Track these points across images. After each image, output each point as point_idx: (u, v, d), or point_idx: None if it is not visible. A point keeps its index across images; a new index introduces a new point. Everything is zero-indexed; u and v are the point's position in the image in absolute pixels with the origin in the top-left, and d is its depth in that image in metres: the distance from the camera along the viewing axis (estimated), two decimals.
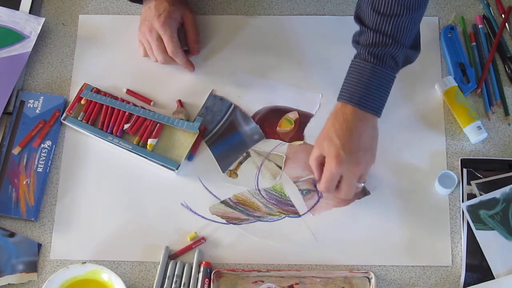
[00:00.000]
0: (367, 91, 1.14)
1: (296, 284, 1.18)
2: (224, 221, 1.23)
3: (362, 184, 1.22)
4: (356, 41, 1.18)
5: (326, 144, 1.14)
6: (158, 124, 1.27)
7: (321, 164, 1.17)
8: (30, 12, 1.35)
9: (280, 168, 1.26)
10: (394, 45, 1.14)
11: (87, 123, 1.27)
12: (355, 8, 1.20)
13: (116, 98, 1.29)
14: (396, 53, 1.15)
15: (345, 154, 1.13)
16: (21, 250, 1.21)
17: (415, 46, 1.20)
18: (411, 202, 1.23)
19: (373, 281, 1.17)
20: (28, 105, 1.29)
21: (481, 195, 1.21)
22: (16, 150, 1.26)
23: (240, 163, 1.27)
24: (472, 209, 1.21)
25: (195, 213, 1.23)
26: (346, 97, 1.15)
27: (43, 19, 1.34)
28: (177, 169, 1.24)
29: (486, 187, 1.22)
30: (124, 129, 1.27)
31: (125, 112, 1.28)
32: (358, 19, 1.18)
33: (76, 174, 1.26)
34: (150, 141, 1.25)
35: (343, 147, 1.13)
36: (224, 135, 1.29)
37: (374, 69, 1.14)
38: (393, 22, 1.14)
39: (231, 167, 1.27)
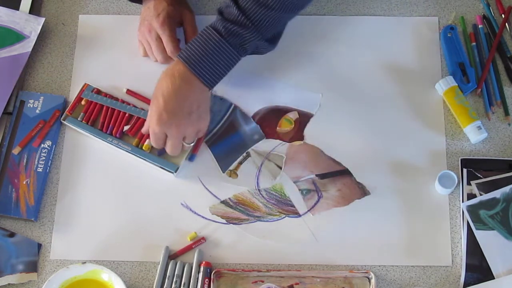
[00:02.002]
0: (205, 58, 1.16)
1: (296, 284, 1.18)
2: (224, 221, 1.23)
3: (191, 144, 1.23)
4: (220, 11, 1.19)
5: (153, 104, 1.17)
6: None
7: None
8: (30, 12, 1.35)
9: (280, 168, 1.26)
10: (251, 31, 1.16)
11: (87, 123, 1.27)
12: None
13: (116, 99, 1.29)
14: (249, 38, 1.17)
15: (166, 115, 1.16)
16: (21, 250, 1.21)
17: (273, 41, 1.22)
18: (411, 202, 1.23)
19: (373, 281, 1.17)
20: (28, 105, 1.29)
21: (481, 195, 1.21)
22: (16, 150, 1.26)
23: (240, 163, 1.27)
24: (472, 209, 1.21)
25: (195, 213, 1.24)
26: (184, 56, 1.16)
27: (43, 19, 1.34)
28: (175, 171, 1.24)
29: (486, 187, 1.22)
30: (124, 130, 1.27)
31: (125, 113, 1.28)
32: None
33: (76, 174, 1.26)
34: (147, 141, 1.24)
35: (166, 108, 1.16)
36: (224, 135, 1.29)
37: (221, 43, 1.16)
38: (263, 12, 1.15)
39: (231, 167, 1.27)
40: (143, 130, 1.23)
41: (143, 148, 1.25)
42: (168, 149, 1.21)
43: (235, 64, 1.19)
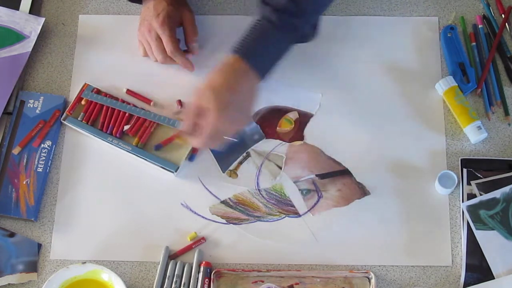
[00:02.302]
0: (262, 51, 1.14)
1: (296, 284, 1.18)
2: (224, 221, 1.23)
3: (233, 140, 1.21)
4: (265, 2, 1.17)
5: (213, 97, 1.11)
6: (158, 125, 1.27)
7: (198, 114, 1.13)
8: (30, 12, 1.35)
9: (280, 168, 1.26)
10: (302, 18, 1.15)
11: (87, 123, 1.27)
12: None
13: (116, 99, 1.29)
14: (300, 27, 1.16)
15: (230, 109, 1.12)
16: (21, 250, 1.21)
17: (315, 28, 1.22)
18: (411, 202, 1.23)
19: (373, 281, 1.17)
20: (28, 105, 1.29)
21: (481, 195, 1.21)
22: (16, 150, 1.26)
23: (240, 163, 1.27)
24: (472, 209, 1.21)
25: (195, 213, 1.24)
26: (242, 52, 1.14)
27: (43, 19, 1.34)
28: (176, 171, 1.23)
29: (486, 187, 1.22)
30: (124, 130, 1.27)
31: (125, 113, 1.28)
32: None
33: (76, 174, 1.26)
34: (182, 134, 1.17)
35: (232, 103, 1.12)
36: None
37: (276, 34, 1.14)
38: None
39: (231, 167, 1.27)
40: (184, 127, 1.14)
41: (178, 140, 1.22)
42: (214, 143, 1.16)
43: (287, 54, 1.18)
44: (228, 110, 1.11)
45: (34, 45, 1.32)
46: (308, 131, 1.28)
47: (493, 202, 1.21)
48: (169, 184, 1.25)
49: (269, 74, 1.17)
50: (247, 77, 1.14)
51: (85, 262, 1.17)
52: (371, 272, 1.18)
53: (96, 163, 1.27)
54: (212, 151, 1.27)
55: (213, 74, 1.13)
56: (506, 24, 1.33)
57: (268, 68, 1.16)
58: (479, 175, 1.23)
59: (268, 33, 1.14)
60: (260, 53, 1.14)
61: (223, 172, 1.26)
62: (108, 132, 1.27)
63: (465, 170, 1.24)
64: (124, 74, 1.33)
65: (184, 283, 1.18)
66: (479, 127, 1.25)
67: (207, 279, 1.18)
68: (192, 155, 1.27)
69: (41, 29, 1.33)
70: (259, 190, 1.25)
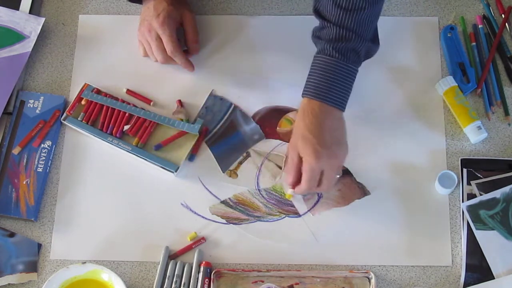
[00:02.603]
0: (332, 86, 1.14)
1: (296, 284, 1.18)
2: (224, 221, 1.23)
3: (338, 176, 1.21)
4: (317, 36, 1.18)
5: (301, 143, 1.14)
6: (158, 125, 1.27)
7: (298, 166, 1.16)
8: (30, 12, 1.35)
9: (280, 168, 1.26)
10: (356, 39, 1.15)
11: (87, 123, 1.27)
12: (314, 1, 1.19)
13: (116, 99, 1.29)
14: (358, 47, 1.15)
15: (321, 149, 1.12)
16: (21, 250, 1.21)
17: (375, 40, 1.21)
18: (411, 202, 1.23)
19: (373, 281, 1.17)
20: (28, 105, 1.29)
21: (481, 195, 1.21)
22: (16, 150, 1.26)
23: (240, 163, 1.27)
24: (472, 209, 1.21)
25: (195, 213, 1.24)
26: (311, 93, 1.15)
27: (43, 19, 1.34)
28: (176, 171, 1.23)
29: (486, 187, 1.22)
30: (124, 130, 1.27)
31: (125, 113, 1.28)
32: (318, 13, 1.18)
33: (76, 174, 1.26)
34: (289, 191, 1.19)
35: (319, 143, 1.13)
36: (224, 135, 1.29)
37: (338, 64, 1.14)
38: (356, 17, 1.14)
39: (231, 167, 1.27)
40: (289, 182, 1.17)
41: (286, 197, 1.23)
42: (325, 185, 1.16)
43: (356, 76, 1.18)
44: (321, 153, 1.12)
45: (34, 45, 1.32)
46: None
47: (493, 202, 1.21)
48: (169, 184, 1.25)
49: (347, 101, 1.16)
50: (329, 114, 1.15)
51: (85, 262, 1.17)
52: (371, 272, 1.18)
53: (96, 163, 1.27)
54: (212, 151, 1.27)
55: (297, 123, 1.15)
56: (506, 24, 1.33)
57: (345, 98, 1.16)
58: (479, 175, 1.23)
59: (332, 67, 1.14)
60: (332, 89, 1.14)
61: (223, 172, 1.26)
62: (108, 132, 1.27)
63: (465, 170, 1.24)
64: (124, 74, 1.33)
65: (184, 283, 1.18)
66: (479, 127, 1.25)
67: (207, 279, 1.18)
68: (192, 155, 1.27)
69: (41, 29, 1.33)
70: (259, 190, 1.25)
